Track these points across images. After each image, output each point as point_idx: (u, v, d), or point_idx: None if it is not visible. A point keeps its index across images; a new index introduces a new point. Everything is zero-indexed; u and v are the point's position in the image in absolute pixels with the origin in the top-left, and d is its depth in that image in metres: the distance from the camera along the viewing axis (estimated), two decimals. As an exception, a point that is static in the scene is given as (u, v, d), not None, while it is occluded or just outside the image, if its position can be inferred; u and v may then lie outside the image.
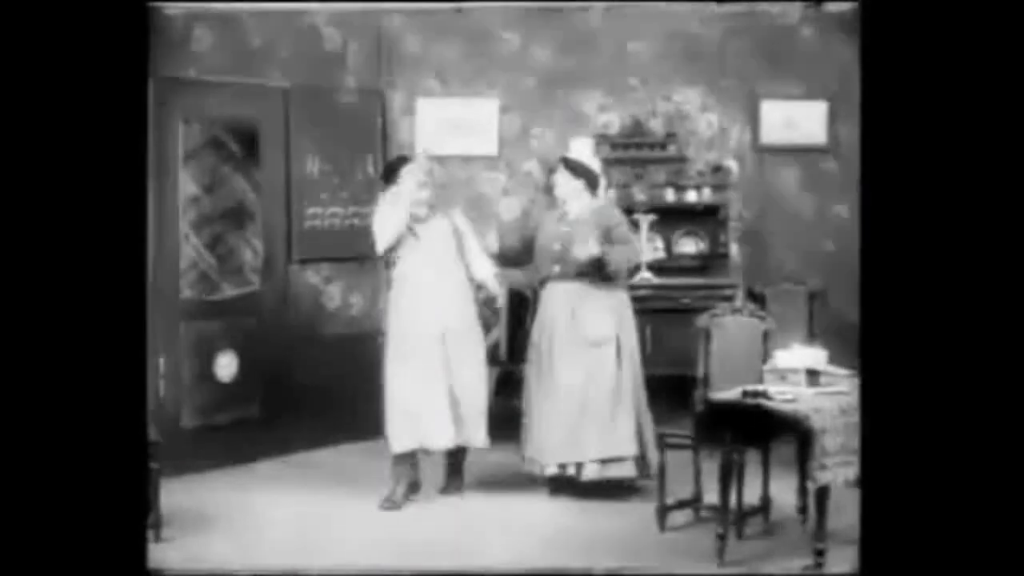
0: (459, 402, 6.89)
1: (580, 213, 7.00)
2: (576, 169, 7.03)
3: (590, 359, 6.86)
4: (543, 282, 7.11)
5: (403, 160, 7.11)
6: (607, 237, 6.89)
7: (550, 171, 8.70)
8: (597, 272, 6.88)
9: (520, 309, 8.46)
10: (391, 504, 6.81)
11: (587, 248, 6.79)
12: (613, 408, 6.85)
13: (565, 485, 6.93)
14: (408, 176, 6.90)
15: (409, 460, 6.91)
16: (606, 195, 7.32)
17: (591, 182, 7.06)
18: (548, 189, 8.69)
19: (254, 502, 6.97)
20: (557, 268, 6.98)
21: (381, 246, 6.88)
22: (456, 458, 7.06)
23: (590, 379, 6.85)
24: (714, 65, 8.94)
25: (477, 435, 6.93)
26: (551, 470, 6.89)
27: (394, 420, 6.85)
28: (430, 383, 6.81)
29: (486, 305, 7.45)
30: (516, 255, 8.02)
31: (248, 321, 8.00)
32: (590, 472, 6.86)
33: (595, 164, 7.17)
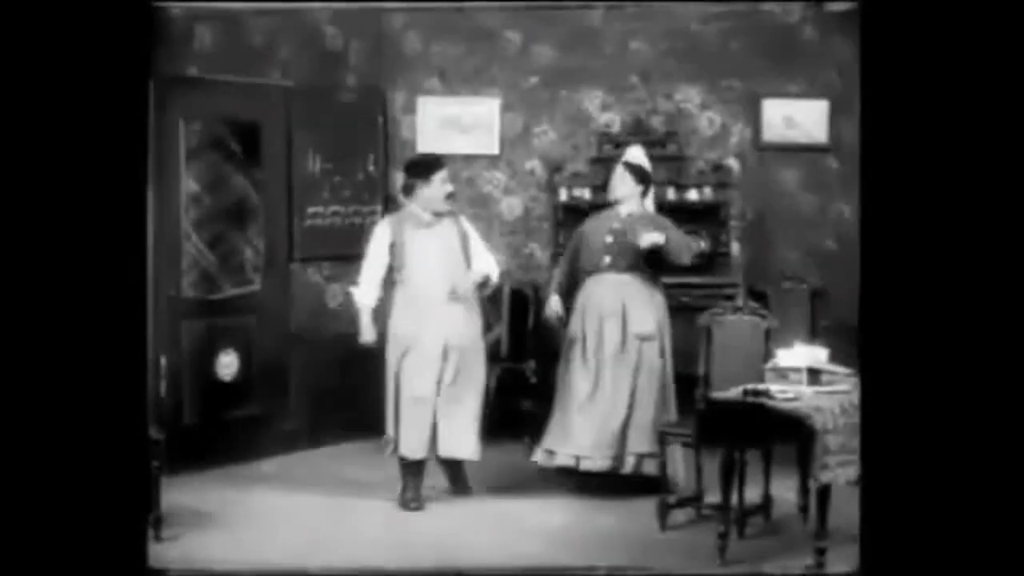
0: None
1: (632, 213, 7.08)
2: (638, 174, 7.12)
3: (638, 354, 6.90)
4: (585, 276, 7.11)
5: (437, 163, 6.99)
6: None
7: (553, 170, 8.74)
8: (658, 263, 6.96)
9: (522, 308, 8.47)
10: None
11: (652, 236, 6.85)
12: (658, 404, 6.89)
13: (591, 480, 6.91)
14: (438, 182, 6.89)
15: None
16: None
17: (647, 188, 7.18)
18: (551, 188, 8.73)
19: (255, 501, 6.97)
20: (608, 259, 7.01)
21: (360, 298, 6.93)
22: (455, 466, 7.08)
23: (639, 373, 6.89)
24: (715, 64, 8.93)
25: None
26: (598, 464, 6.85)
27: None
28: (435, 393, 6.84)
29: (488, 297, 7.39)
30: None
31: (249, 320, 8.00)
32: (628, 466, 6.87)
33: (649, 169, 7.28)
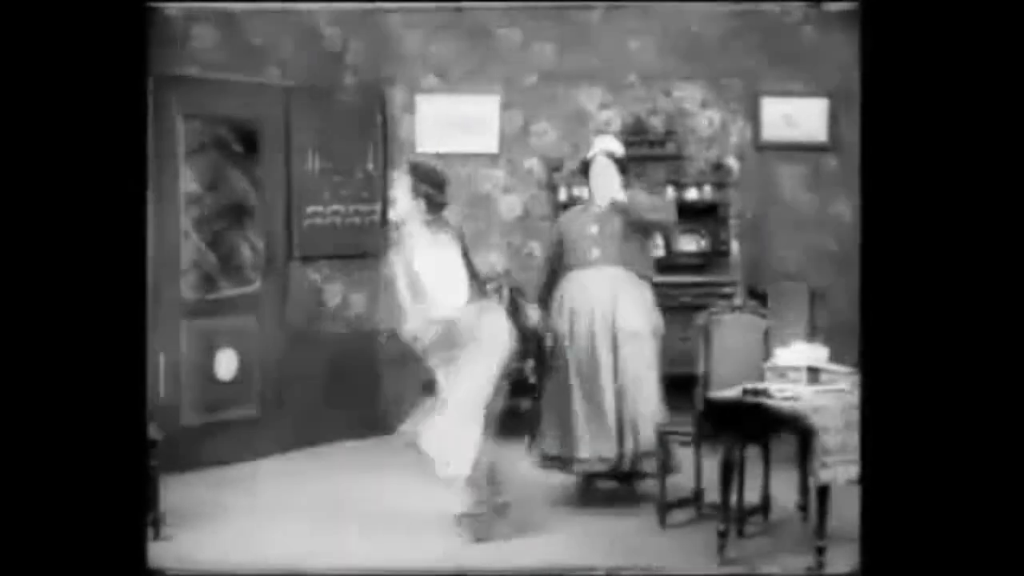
0: None
1: (613, 200, 6.78)
2: (620, 163, 6.84)
3: (632, 349, 6.69)
4: (568, 270, 6.84)
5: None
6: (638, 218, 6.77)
7: (552, 169, 8.74)
8: (646, 233, 6.76)
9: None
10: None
11: (613, 194, 6.65)
12: (652, 401, 6.69)
13: (595, 481, 6.88)
14: None
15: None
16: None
17: (626, 177, 6.91)
18: (550, 186, 8.73)
19: (254, 500, 6.97)
20: (596, 252, 6.77)
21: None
22: None
23: (635, 370, 6.68)
24: (715, 62, 8.94)
25: None
26: (596, 466, 6.74)
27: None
28: None
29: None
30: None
31: (248, 319, 8.00)
32: (625, 465, 6.73)
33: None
